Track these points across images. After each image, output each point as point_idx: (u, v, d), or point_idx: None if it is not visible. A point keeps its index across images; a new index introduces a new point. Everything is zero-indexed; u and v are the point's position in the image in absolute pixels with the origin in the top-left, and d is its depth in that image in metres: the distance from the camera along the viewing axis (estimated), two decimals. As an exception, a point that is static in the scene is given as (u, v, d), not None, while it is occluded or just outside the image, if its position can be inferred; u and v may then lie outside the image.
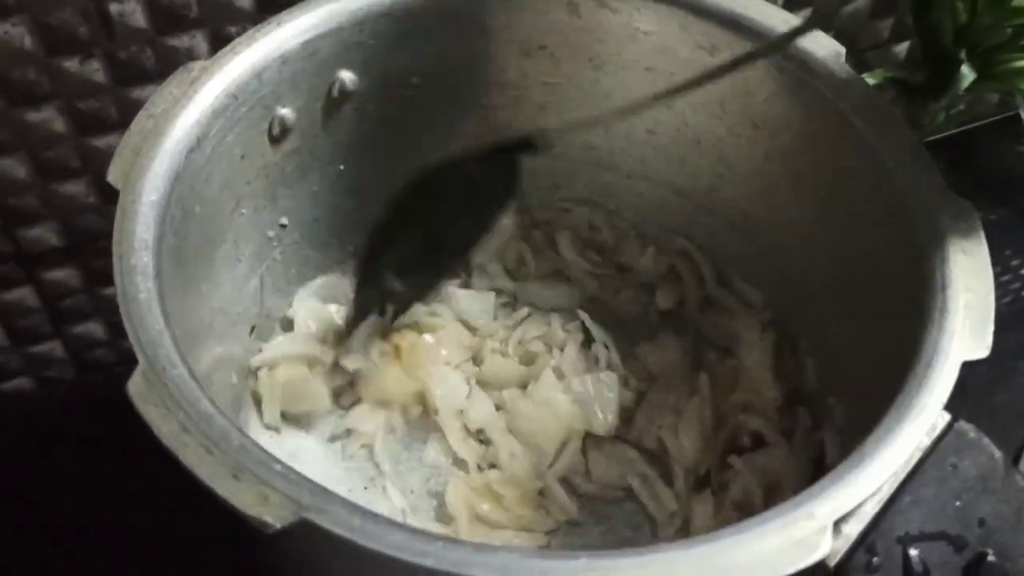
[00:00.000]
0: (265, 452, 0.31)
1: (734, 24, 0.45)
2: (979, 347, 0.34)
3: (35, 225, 0.57)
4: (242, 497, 0.29)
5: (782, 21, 0.45)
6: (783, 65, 0.45)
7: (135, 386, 0.32)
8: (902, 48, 0.75)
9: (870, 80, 0.65)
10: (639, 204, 0.56)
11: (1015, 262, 0.70)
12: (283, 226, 0.50)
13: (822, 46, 0.44)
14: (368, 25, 0.45)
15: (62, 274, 0.60)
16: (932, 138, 0.78)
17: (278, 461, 0.30)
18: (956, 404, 0.59)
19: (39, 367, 0.64)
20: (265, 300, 0.51)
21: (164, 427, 0.31)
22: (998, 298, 0.66)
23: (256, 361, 0.50)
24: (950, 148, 0.78)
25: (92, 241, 0.58)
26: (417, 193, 0.46)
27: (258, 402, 0.50)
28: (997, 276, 0.68)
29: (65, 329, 0.63)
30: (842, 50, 0.44)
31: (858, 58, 0.75)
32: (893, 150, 0.41)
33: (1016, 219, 0.73)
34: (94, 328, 0.63)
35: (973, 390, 0.60)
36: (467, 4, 0.47)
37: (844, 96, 0.43)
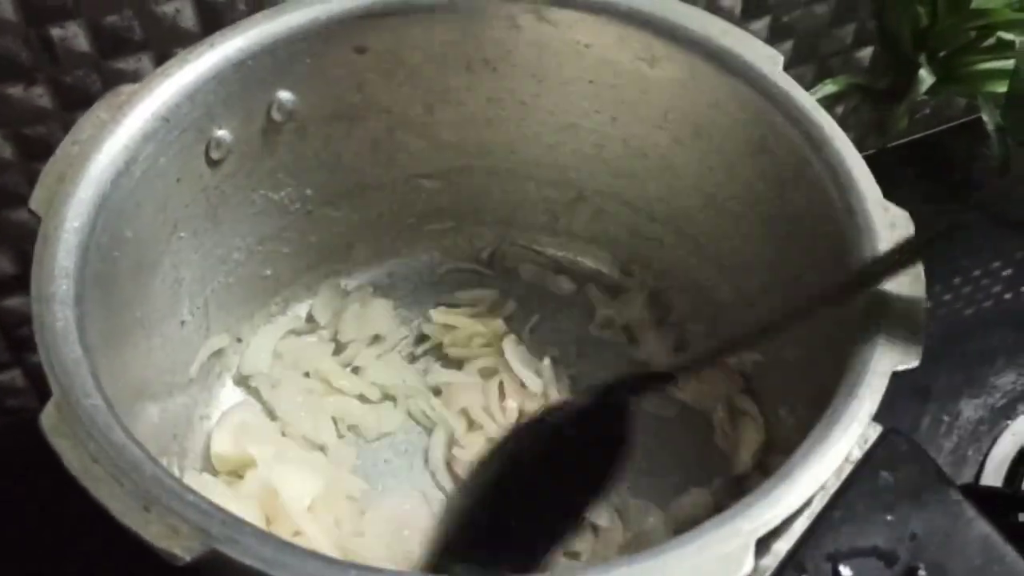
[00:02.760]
0: (178, 482, 0.30)
1: (671, 34, 0.45)
2: (910, 357, 0.34)
3: (-14, 253, 0.56)
4: (152, 529, 0.29)
5: (720, 31, 0.45)
6: (721, 74, 0.44)
7: (47, 417, 0.31)
8: (865, 54, 0.75)
9: (832, 87, 0.65)
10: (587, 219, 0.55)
11: (996, 264, 0.69)
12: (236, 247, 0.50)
13: (759, 54, 0.44)
14: (304, 44, 0.45)
15: (17, 302, 0.59)
16: (899, 142, 0.78)
17: (191, 491, 0.30)
18: (920, 410, 0.60)
19: (1, 397, 0.64)
20: (211, 325, 0.50)
21: (74, 458, 0.30)
22: (976, 300, 0.67)
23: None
24: (920, 152, 0.78)
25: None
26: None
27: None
28: (973, 278, 0.69)
29: (24, 357, 0.62)
30: (779, 57, 0.44)
31: (821, 65, 0.75)
32: (829, 161, 0.40)
33: (987, 221, 0.72)
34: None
35: (941, 393, 0.60)
36: (406, 20, 0.47)
37: (780, 106, 0.42)
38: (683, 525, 0.47)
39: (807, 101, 0.42)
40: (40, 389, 0.63)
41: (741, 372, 0.51)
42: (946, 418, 0.60)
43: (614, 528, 0.48)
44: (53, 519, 0.58)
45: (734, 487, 0.49)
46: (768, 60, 0.44)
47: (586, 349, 0.55)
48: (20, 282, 0.58)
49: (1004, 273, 0.69)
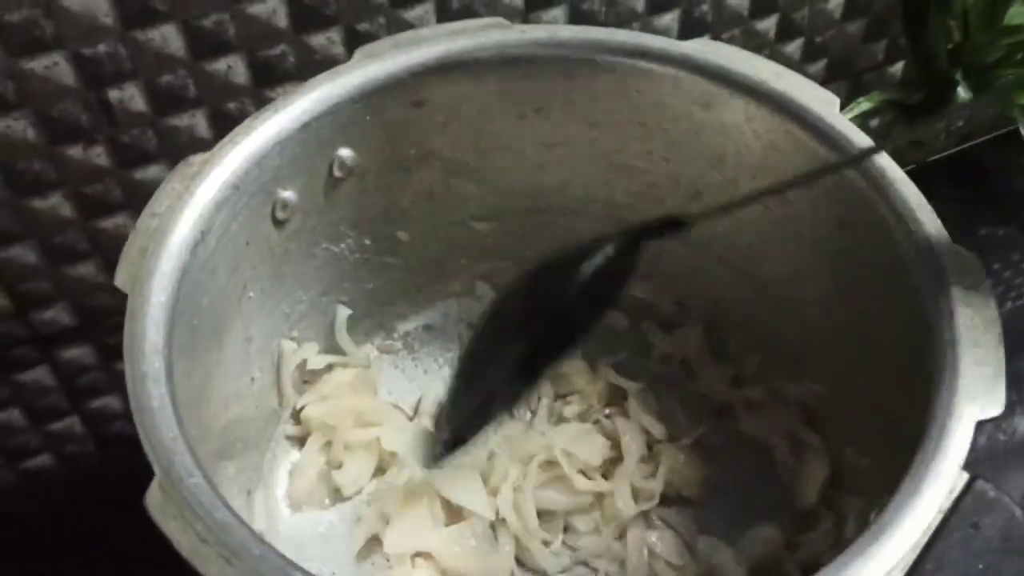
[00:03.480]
0: (286, 560, 0.31)
1: (725, 79, 0.46)
2: (992, 405, 0.34)
3: (48, 307, 0.57)
4: (264, 608, 0.29)
5: (774, 74, 0.45)
6: (776, 117, 0.45)
7: (153, 499, 0.32)
8: (897, 69, 0.76)
9: (866, 103, 0.66)
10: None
11: (1021, 275, 0.70)
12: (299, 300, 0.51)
13: (814, 97, 0.44)
14: (364, 103, 0.46)
15: (76, 352, 0.60)
16: (934, 157, 0.78)
17: (299, 568, 0.31)
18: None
19: (59, 444, 0.65)
20: (283, 376, 0.51)
21: (183, 539, 0.31)
22: (1009, 313, 0.67)
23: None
24: (952, 166, 0.78)
25: (104, 318, 0.59)
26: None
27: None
28: (1006, 292, 0.69)
29: (81, 405, 0.63)
30: (836, 100, 0.44)
31: (854, 81, 0.75)
32: (893, 203, 0.41)
33: (1022, 234, 0.73)
34: (111, 402, 0.64)
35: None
36: (459, 77, 0.47)
37: (839, 148, 0.43)
38: (755, 561, 0.48)
39: (866, 143, 0.43)
40: (97, 435, 0.65)
41: (803, 404, 0.52)
42: (1002, 437, 0.60)
43: (685, 565, 0.49)
44: (112, 561, 0.58)
45: (800, 521, 0.49)
46: (824, 103, 0.44)
47: (649, 384, 0.55)
48: (79, 334, 0.59)
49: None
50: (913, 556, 0.32)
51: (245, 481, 0.47)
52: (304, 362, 0.52)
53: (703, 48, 0.46)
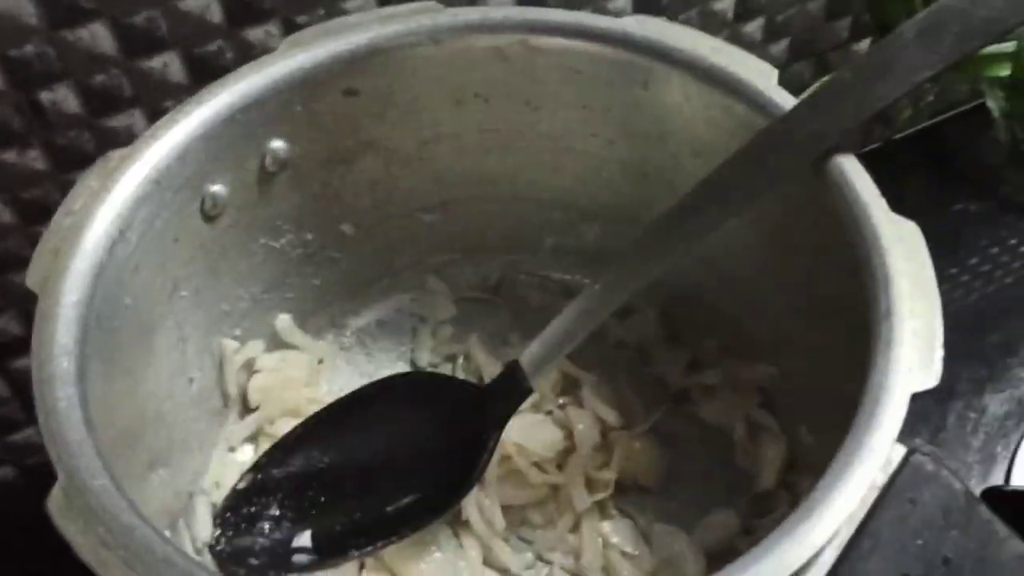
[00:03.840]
0: (192, 562, 0.30)
1: (663, 56, 0.44)
2: (927, 377, 0.33)
3: (-4, 317, 0.56)
4: (166, 613, 0.28)
5: (711, 49, 0.44)
6: (715, 92, 0.44)
7: (54, 502, 0.31)
8: (862, 47, 0.74)
9: (831, 82, 0.64)
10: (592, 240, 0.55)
11: (994, 251, 0.68)
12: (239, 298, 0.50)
13: (752, 69, 0.43)
14: (293, 93, 0.45)
15: (27, 363, 0.59)
16: (904, 133, 0.77)
17: (205, 570, 0.30)
18: (944, 409, 0.58)
19: (19, 456, 0.64)
20: (227, 374, 0.50)
21: (83, 543, 0.30)
22: (990, 292, 0.65)
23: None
24: (924, 142, 0.77)
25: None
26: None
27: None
28: (978, 268, 0.67)
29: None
30: (774, 72, 0.43)
31: (819, 60, 0.74)
32: (830, 172, 0.40)
33: (996, 209, 0.71)
34: (69, 411, 0.63)
35: (965, 389, 0.59)
36: (392, 62, 0.46)
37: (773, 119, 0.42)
38: (711, 547, 0.46)
39: (804, 113, 0.42)
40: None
41: (758, 387, 0.51)
42: (972, 415, 0.59)
43: (641, 555, 0.47)
44: (72, 571, 0.58)
45: (759, 505, 0.48)
46: (761, 75, 0.43)
47: (604, 372, 0.54)
48: (28, 343, 0.58)
49: (1015, 264, 0.67)
50: (848, 533, 0.31)
51: (185, 484, 0.46)
52: (250, 361, 0.51)
53: (640, 25, 0.45)
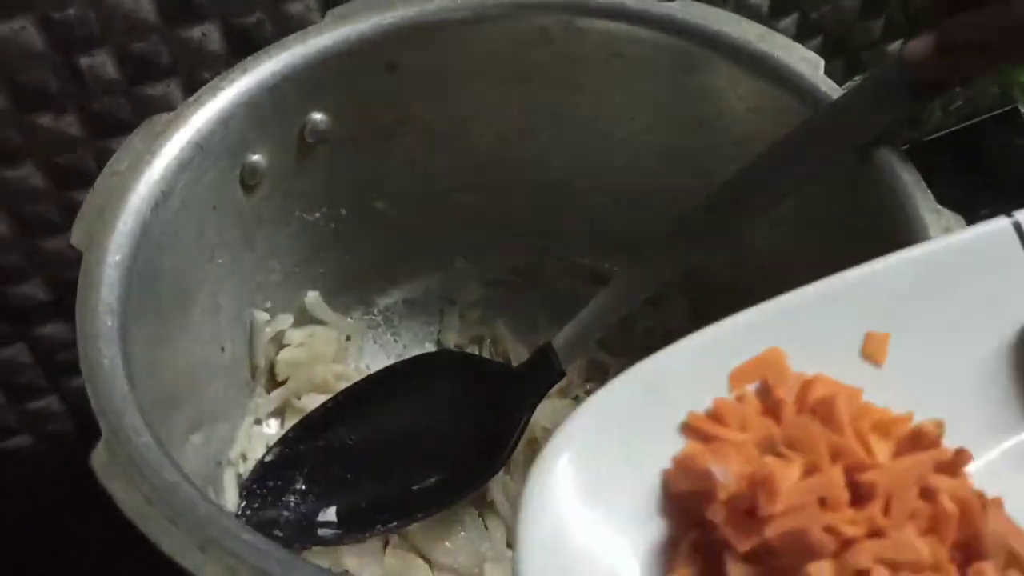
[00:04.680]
0: (233, 520, 0.30)
1: (707, 40, 0.44)
2: None
3: (22, 282, 0.56)
4: (208, 569, 0.28)
5: (757, 36, 0.44)
6: (760, 79, 0.44)
7: (98, 457, 0.31)
8: (895, 47, 0.74)
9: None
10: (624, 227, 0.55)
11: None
12: (272, 271, 0.50)
13: (799, 58, 0.43)
14: (335, 65, 0.45)
15: (53, 328, 0.59)
16: (933, 136, 0.76)
17: (248, 530, 0.29)
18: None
19: (38, 423, 0.64)
20: (256, 346, 0.50)
21: (128, 500, 0.30)
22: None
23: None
24: (953, 145, 0.76)
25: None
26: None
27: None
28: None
29: (61, 383, 0.62)
30: (820, 61, 0.43)
31: (851, 59, 0.74)
32: (876, 165, 0.39)
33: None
34: (90, 381, 0.63)
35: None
36: (436, 38, 0.46)
37: (821, 110, 0.41)
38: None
39: (850, 104, 0.41)
40: (77, 414, 0.64)
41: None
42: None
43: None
44: (88, 543, 0.58)
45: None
46: (808, 64, 0.43)
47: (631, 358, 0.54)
48: (56, 309, 0.58)
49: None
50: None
51: (215, 453, 0.46)
52: (280, 334, 0.51)
53: (685, 8, 0.45)
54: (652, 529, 0.25)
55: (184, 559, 0.29)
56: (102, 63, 0.50)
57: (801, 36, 0.69)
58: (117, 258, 0.36)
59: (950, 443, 0.26)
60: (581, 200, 0.54)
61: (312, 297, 0.53)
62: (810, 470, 0.24)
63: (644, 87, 0.48)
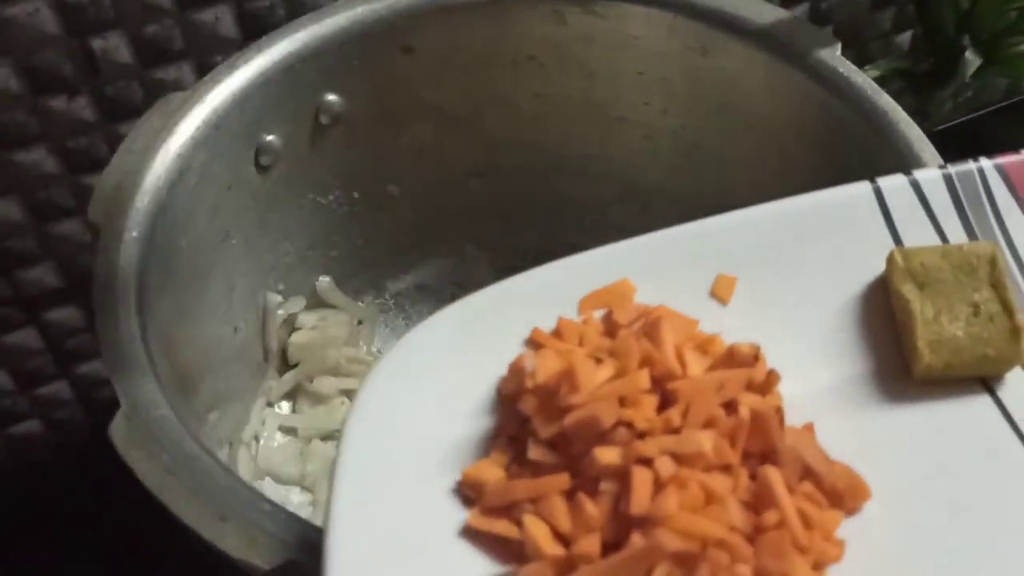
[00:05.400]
0: (254, 491, 0.30)
1: (724, 23, 0.44)
2: None
3: (33, 267, 0.56)
4: (229, 540, 0.28)
5: (775, 17, 0.44)
6: (777, 61, 0.43)
7: (117, 429, 0.31)
8: (905, 38, 0.74)
9: (873, 72, 0.64)
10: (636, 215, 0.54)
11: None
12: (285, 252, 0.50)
13: (816, 39, 0.43)
14: (350, 46, 0.45)
15: (64, 314, 0.59)
16: (941, 127, 0.76)
17: (267, 500, 0.29)
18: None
19: (47, 409, 0.64)
20: (269, 329, 0.50)
21: (147, 471, 0.30)
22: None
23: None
24: (960, 136, 0.76)
25: (91, 279, 0.58)
26: None
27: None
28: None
29: (70, 370, 0.62)
30: (837, 43, 0.43)
31: (861, 50, 0.74)
32: (896, 147, 0.39)
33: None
34: (100, 367, 0.63)
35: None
36: (450, 20, 0.46)
37: (840, 92, 0.41)
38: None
39: (869, 86, 0.41)
40: (86, 401, 0.64)
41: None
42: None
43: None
44: (99, 528, 0.58)
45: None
46: (825, 46, 0.43)
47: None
48: (66, 294, 0.58)
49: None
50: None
51: (227, 432, 0.46)
52: (292, 317, 0.51)
53: (700, -9, 0.45)
54: (483, 424, 0.27)
55: (205, 529, 0.28)
56: (115, 46, 0.50)
57: (812, 26, 0.69)
58: (134, 234, 0.36)
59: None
60: (594, 186, 0.54)
61: (324, 282, 0.53)
62: (619, 374, 0.26)
63: (659, 71, 0.48)
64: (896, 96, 0.68)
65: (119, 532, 0.57)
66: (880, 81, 0.65)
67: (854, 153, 0.42)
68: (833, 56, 0.43)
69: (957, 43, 0.63)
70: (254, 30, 0.52)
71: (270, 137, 0.44)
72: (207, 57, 0.52)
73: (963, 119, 0.77)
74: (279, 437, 0.49)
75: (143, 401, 0.32)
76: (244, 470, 0.45)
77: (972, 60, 0.63)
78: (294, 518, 0.29)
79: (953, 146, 0.76)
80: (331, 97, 0.46)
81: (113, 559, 0.57)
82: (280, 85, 0.43)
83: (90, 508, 0.60)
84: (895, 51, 0.74)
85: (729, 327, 0.29)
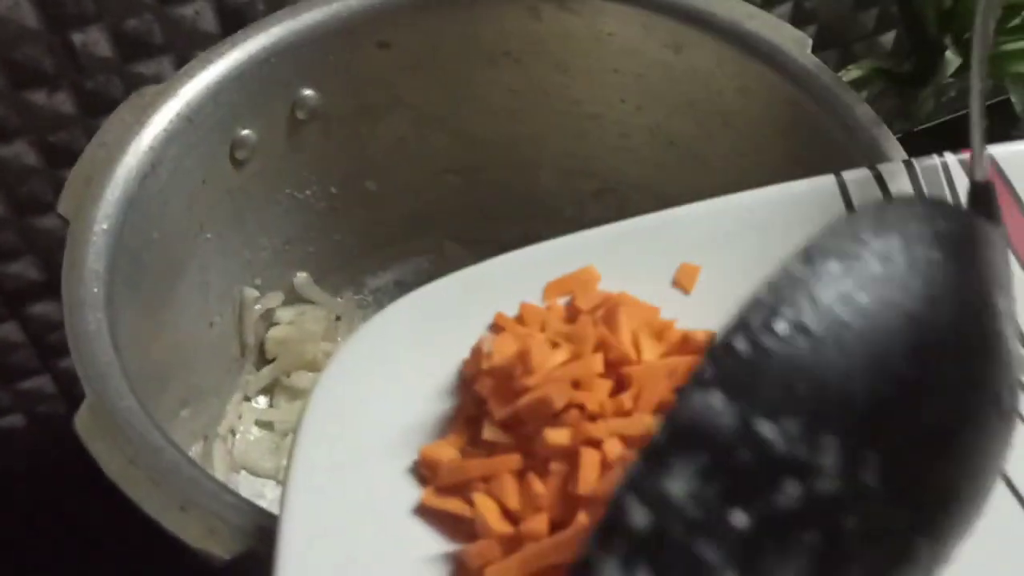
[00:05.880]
0: (216, 482, 0.30)
1: (697, 20, 0.44)
2: None
3: (15, 261, 0.56)
4: (190, 530, 0.28)
5: (746, 15, 0.44)
6: (749, 59, 0.44)
7: (82, 420, 0.31)
8: (888, 39, 0.74)
9: (856, 72, 0.65)
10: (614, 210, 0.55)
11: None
12: (262, 248, 0.50)
13: (787, 37, 0.43)
14: (326, 41, 0.45)
15: (44, 308, 0.59)
16: (924, 126, 0.76)
17: (230, 492, 0.30)
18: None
19: (30, 403, 0.64)
20: (246, 323, 0.50)
21: (111, 461, 0.30)
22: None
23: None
24: (945, 135, 0.76)
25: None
26: None
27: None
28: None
29: (53, 364, 0.63)
30: (808, 40, 0.43)
31: (844, 50, 0.74)
32: (863, 145, 0.40)
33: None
34: (81, 361, 0.63)
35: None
36: (425, 16, 0.46)
37: (809, 90, 0.42)
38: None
39: (837, 84, 0.42)
40: (69, 395, 0.64)
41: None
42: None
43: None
44: (81, 523, 0.58)
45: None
46: (796, 43, 0.43)
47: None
48: (47, 288, 0.58)
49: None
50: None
51: (202, 426, 0.46)
52: (269, 312, 0.51)
53: (674, -12, 0.45)
54: (445, 407, 0.28)
55: (166, 520, 0.29)
56: (95, 41, 0.50)
57: (795, 25, 0.69)
58: (104, 227, 0.36)
59: None
60: (571, 183, 0.55)
61: (302, 278, 0.53)
62: (574, 358, 0.27)
63: (634, 68, 0.48)
64: (879, 97, 0.68)
65: (100, 526, 0.57)
66: (862, 81, 0.65)
67: (825, 150, 0.42)
68: (803, 54, 0.43)
69: (938, 43, 0.63)
70: (234, 25, 0.52)
71: (245, 131, 0.44)
72: (187, 52, 0.52)
73: (946, 118, 0.77)
74: (255, 431, 0.49)
75: (108, 392, 0.32)
76: (219, 464, 0.45)
77: (952, 59, 0.63)
78: (255, 508, 0.29)
79: (935, 146, 0.76)
80: (307, 92, 0.46)
81: (94, 553, 0.57)
82: (255, 79, 0.44)
83: (72, 503, 0.60)
84: (878, 51, 0.75)
85: (690, 315, 0.29)
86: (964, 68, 0.64)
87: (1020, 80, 0.67)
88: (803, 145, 0.43)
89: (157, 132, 0.40)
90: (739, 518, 0.15)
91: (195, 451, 0.45)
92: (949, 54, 0.63)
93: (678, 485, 0.16)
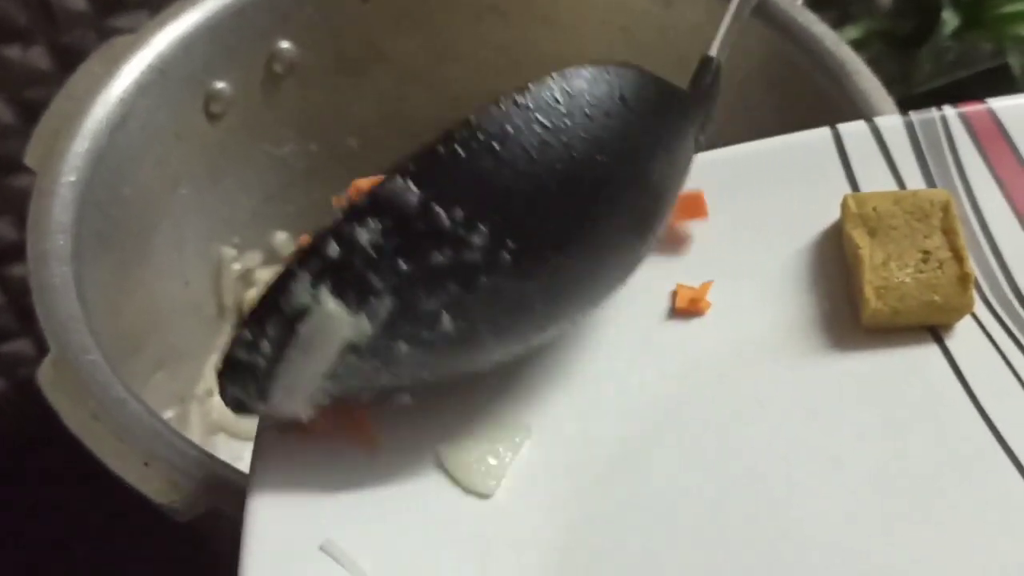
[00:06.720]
0: (179, 436, 0.29)
1: (687, -28, 0.43)
2: None
3: (-10, 220, 0.55)
4: (152, 484, 0.28)
5: (736, -34, 0.43)
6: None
7: (44, 374, 0.30)
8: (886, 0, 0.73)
9: (853, 32, 0.63)
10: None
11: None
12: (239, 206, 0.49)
13: (778, -10, 0.42)
14: (304, -8, 0.44)
15: (23, 269, 0.58)
16: (923, 89, 0.75)
17: (193, 446, 0.29)
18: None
19: (9, 367, 0.63)
20: (224, 283, 0.49)
21: (72, 415, 0.29)
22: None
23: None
24: (943, 100, 0.75)
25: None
26: None
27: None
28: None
29: (33, 326, 0.62)
30: (799, -9, 0.42)
31: (842, 12, 0.72)
32: (854, 100, 0.39)
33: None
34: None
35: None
36: (409, -33, 0.45)
37: (800, 44, 0.41)
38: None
39: (829, 37, 0.41)
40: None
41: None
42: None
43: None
44: (62, 488, 0.57)
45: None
46: (787, -4, 0.42)
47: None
48: (25, 249, 0.57)
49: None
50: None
51: (179, 390, 0.45)
52: (248, 272, 0.50)
53: (664, -59, 0.44)
54: None
55: (129, 474, 0.28)
56: (70, -6, 0.49)
57: (790, -15, 0.68)
58: (72, 179, 0.35)
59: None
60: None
61: (281, 238, 0.52)
62: None
63: (621, 21, 0.47)
64: (877, 59, 0.67)
65: (81, 490, 0.57)
66: (859, 43, 0.64)
67: (817, 104, 0.41)
68: (793, 6, 0.42)
69: (936, 3, 0.62)
70: (212, -22, 0.51)
71: (220, 84, 0.43)
72: (164, 5, 0.51)
73: (944, 83, 0.76)
74: (234, 392, 0.49)
75: (71, 346, 0.31)
76: (196, 425, 0.44)
77: (949, 19, 0.62)
78: (218, 463, 0.28)
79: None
80: (285, 44, 0.45)
81: (75, 516, 0.56)
82: (230, 30, 0.42)
83: (57, 465, 0.59)
84: (876, 12, 0.73)
85: (684, 266, 0.30)
86: (962, 28, 0.63)
87: (1019, 42, 0.66)
88: (796, 100, 0.42)
89: (127, 84, 0.39)
90: (402, 264, 0.22)
91: (172, 414, 0.44)
92: (946, 14, 0.62)
93: (365, 235, 0.22)
